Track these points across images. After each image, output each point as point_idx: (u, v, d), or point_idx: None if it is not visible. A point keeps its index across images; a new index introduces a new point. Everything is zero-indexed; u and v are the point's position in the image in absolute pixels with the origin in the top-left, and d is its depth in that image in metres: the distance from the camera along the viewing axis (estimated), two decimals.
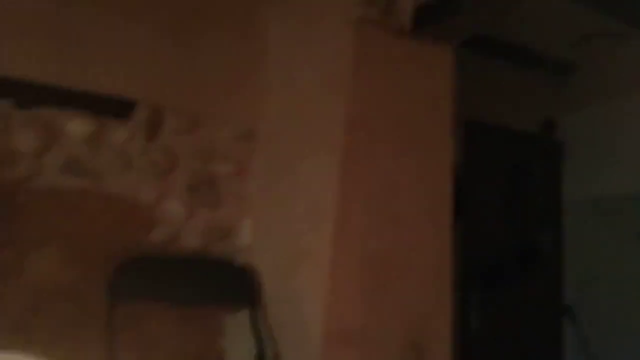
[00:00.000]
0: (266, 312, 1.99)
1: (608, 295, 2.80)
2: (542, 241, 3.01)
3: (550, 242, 3.03)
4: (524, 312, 2.84)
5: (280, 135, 2.14)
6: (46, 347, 1.57)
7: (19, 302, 1.76)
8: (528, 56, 2.81)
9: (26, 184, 1.79)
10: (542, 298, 2.94)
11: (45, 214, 1.81)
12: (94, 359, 1.61)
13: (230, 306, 2.08)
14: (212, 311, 2.08)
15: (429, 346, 1.84)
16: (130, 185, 1.96)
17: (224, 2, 2.17)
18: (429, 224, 1.91)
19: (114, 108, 1.93)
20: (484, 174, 2.82)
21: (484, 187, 2.82)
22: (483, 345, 2.62)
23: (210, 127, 2.12)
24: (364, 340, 1.76)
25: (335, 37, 1.94)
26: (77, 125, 1.88)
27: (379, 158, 1.86)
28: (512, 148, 3.00)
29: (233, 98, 2.17)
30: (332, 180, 1.83)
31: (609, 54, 2.71)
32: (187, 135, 2.07)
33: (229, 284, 2.05)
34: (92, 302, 1.84)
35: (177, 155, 2.05)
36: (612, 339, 2.72)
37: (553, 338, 2.95)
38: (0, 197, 1.74)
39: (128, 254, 1.88)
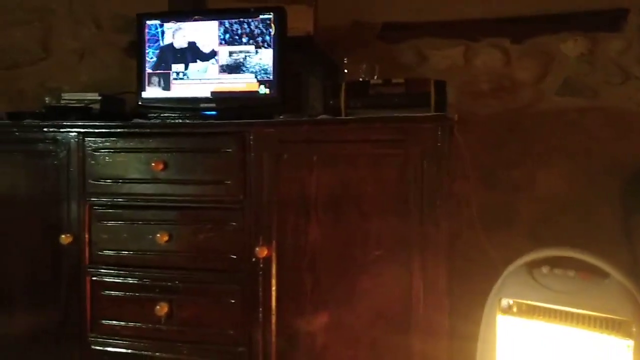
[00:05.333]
0: None
1: None
2: None
3: None
4: None
5: None
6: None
7: (530, 213, 1.97)
8: None
9: (529, 108, 1.96)
10: None
11: (548, 134, 1.95)
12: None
13: None
14: None
15: None
16: (629, 96, 1.90)
17: None
18: None
19: (605, 21, 1.89)
20: None
21: None
22: None
23: None
24: None
25: None
26: (570, 46, 1.94)
27: None
28: None
29: None
30: None
31: None
32: None
33: None
34: (597, 214, 1.89)
35: None
36: None
37: None
38: (508, 122, 1.98)
39: (635, 166, 1.84)
